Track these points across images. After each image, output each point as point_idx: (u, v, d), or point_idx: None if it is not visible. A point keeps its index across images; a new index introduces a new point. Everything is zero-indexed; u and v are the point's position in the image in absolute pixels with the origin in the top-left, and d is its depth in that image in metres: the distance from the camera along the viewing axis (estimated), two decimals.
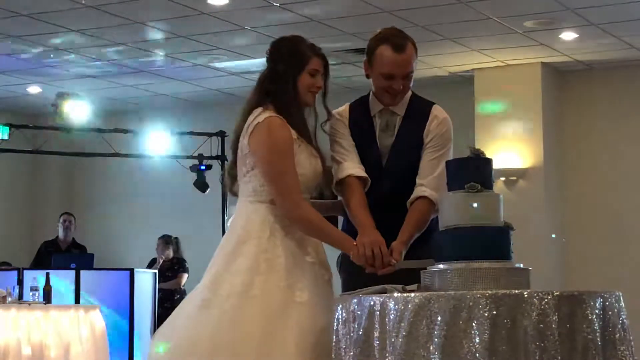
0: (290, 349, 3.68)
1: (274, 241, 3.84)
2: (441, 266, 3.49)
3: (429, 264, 3.59)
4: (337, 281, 4.19)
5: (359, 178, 4.06)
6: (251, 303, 3.73)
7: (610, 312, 3.32)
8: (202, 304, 3.79)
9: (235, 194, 4.02)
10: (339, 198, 4.20)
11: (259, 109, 3.91)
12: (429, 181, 4.04)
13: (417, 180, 4.08)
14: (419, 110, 4.17)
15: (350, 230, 4.15)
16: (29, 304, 8.22)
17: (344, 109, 4.23)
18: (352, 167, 4.08)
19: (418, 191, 4.04)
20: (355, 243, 3.83)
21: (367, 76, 4.17)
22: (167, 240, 11.63)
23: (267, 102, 3.93)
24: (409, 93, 4.19)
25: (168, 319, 3.92)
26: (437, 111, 4.19)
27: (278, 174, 3.84)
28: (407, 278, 3.67)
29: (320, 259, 3.93)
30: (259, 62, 10.37)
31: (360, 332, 3.35)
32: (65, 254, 11.38)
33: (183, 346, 3.75)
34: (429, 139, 4.12)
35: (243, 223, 3.89)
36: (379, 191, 4.07)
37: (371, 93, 4.20)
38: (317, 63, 3.96)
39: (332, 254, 4.20)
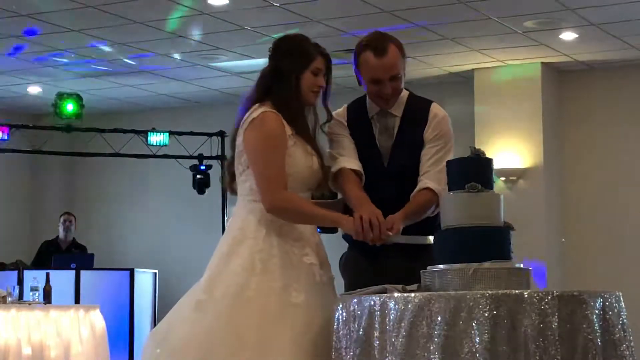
0: (285, 351, 3.65)
1: (270, 241, 3.81)
2: (441, 266, 3.50)
3: (422, 241, 3.60)
4: (339, 282, 4.18)
5: (353, 171, 4.07)
6: (246, 304, 3.71)
7: (610, 312, 3.32)
8: (197, 306, 3.77)
9: (235, 192, 4.00)
10: (340, 196, 4.20)
11: (256, 106, 3.89)
12: (430, 175, 4.05)
13: (421, 173, 4.09)
14: (417, 110, 4.18)
15: None
16: (29, 304, 8.23)
17: (341, 110, 4.24)
18: (346, 161, 4.09)
19: (420, 184, 4.05)
20: (349, 218, 3.81)
21: (359, 83, 4.17)
22: None
23: (266, 99, 3.91)
24: (406, 93, 4.21)
25: (163, 319, 3.90)
26: (436, 109, 4.19)
27: (263, 166, 3.81)
28: (408, 278, 3.67)
29: (320, 260, 3.89)
30: (259, 62, 10.44)
31: (361, 332, 3.35)
32: (66, 253, 11.38)
33: (178, 347, 3.73)
34: (430, 137, 4.13)
35: (240, 223, 3.87)
36: (381, 193, 4.06)
37: (367, 95, 4.22)
38: (321, 62, 3.95)
39: (334, 255, 4.20)
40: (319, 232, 4.17)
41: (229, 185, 4.04)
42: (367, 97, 4.21)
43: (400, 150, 4.13)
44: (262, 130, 3.82)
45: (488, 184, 3.59)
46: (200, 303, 3.77)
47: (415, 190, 4.05)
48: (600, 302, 3.29)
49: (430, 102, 4.24)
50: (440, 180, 3.96)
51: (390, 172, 4.12)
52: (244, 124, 3.87)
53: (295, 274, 3.79)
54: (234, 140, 3.96)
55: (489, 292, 3.19)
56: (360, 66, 4.10)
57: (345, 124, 4.18)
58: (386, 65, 4.04)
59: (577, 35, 9.54)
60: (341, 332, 3.48)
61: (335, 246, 4.31)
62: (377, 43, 4.06)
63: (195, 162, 11.49)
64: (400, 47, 4.10)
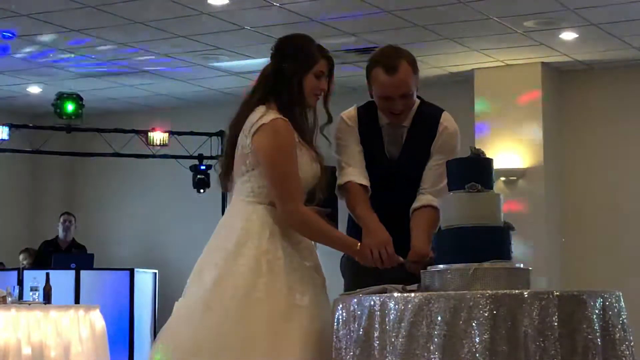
0: (295, 352, 3.66)
1: (274, 243, 3.80)
2: (441, 266, 3.50)
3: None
4: (338, 284, 4.18)
5: (361, 185, 4.06)
6: (255, 306, 3.70)
7: (610, 312, 3.32)
8: (204, 306, 3.74)
9: (227, 188, 3.99)
10: (340, 203, 4.18)
11: (263, 108, 3.86)
12: (436, 191, 4.03)
13: (423, 188, 4.07)
14: (427, 120, 4.14)
15: (356, 234, 4.11)
16: (29, 304, 8.22)
17: (352, 113, 4.20)
18: (354, 173, 4.07)
19: (426, 200, 4.04)
20: (359, 245, 3.83)
21: (371, 95, 4.15)
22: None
23: (270, 100, 3.89)
24: (416, 102, 4.16)
25: (168, 321, 3.87)
26: (447, 122, 4.16)
27: (281, 178, 3.79)
28: (408, 278, 3.67)
29: (314, 263, 3.90)
30: (259, 62, 10.37)
31: (361, 332, 3.35)
32: (66, 253, 11.38)
33: (186, 348, 3.72)
34: (437, 151, 4.11)
35: (242, 224, 3.84)
36: (386, 199, 4.06)
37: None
38: (324, 65, 3.93)
39: (334, 256, 4.19)
40: None
41: (222, 181, 4.01)
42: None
43: (407, 161, 4.12)
44: (277, 141, 3.79)
45: (488, 184, 3.59)
46: (208, 303, 3.75)
47: (418, 204, 4.05)
48: (600, 302, 3.30)
49: (440, 111, 4.19)
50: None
51: (396, 181, 4.11)
52: (252, 127, 3.83)
53: (298, 277, 3.79)
54: (234, 137, 3.93)
55: (489, 292, 3.19)
56: (371, 81, 4.08)
57: (356, 129, 4.15)
58: (396, 83, 4.00)
59: (577, 35, 9.54)
60: (341, 332, 3.48)
61: None
62: (389, 60, 4.02)
63: (195, 162, 11.50)
64: (413, 63, 4.06)
